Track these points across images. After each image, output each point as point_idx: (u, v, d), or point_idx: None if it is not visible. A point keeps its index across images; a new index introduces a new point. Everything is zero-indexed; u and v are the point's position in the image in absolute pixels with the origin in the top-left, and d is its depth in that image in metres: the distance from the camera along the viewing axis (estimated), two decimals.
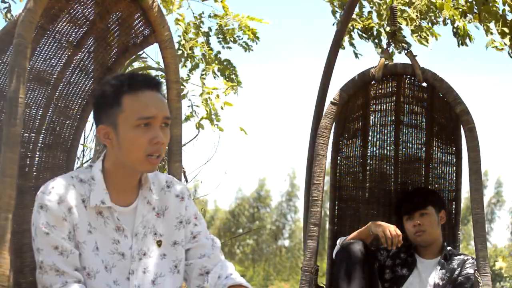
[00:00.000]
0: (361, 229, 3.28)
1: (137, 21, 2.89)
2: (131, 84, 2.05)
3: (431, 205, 3.43)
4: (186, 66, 4.07)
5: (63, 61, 2.85)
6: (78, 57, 2.89)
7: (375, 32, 3.87)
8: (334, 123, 3.50)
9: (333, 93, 3.52)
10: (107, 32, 2.91)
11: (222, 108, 3.96)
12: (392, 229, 3.15)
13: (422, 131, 3.76)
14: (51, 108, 2.88)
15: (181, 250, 2.18)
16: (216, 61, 4.09)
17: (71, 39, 2.83)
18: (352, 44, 3.95)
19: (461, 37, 3.72)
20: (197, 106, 4.01)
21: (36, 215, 2.01)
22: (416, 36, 3.62)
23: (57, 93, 2.88)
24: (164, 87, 2.19)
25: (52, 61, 2.82)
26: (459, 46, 3.76)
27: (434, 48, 3.68)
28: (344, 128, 3.70)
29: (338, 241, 3.36)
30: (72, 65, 2.88)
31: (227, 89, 3.94)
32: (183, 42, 4.01)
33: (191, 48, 4.00)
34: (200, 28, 4.09)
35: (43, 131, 2.86)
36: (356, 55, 3.97)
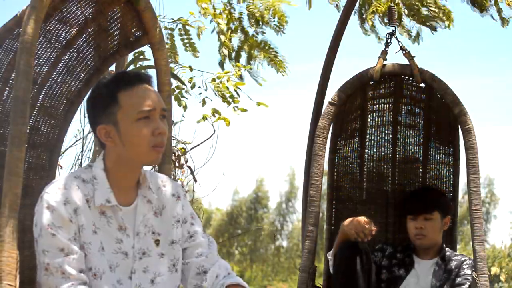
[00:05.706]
0: (338, 235, 3.23)
1: (129, 23, 2.89)
2: (125, 80, 2.09)
3: (437, 210, 3.37)
4: (226, 56, 3.88)
5: (52, 60, 2.86)
6: (66, 56, 2.89)
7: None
8: (332, 123, 3.50)
9: (331, 93, 3.52)
10: (98, 33, 2.91)
11: (235, 89, 3.82)
12: (360, 222, 3.07)
13: (420, 132, 3.76)
14: (36, 108, 2.88)
15: (178, 249, 2.18)
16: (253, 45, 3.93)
17: (61, 38, 2.83)
18: (373, 29, 3.86)
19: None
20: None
21: (41, 216, 1.99)
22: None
23: (43, 93, 2.88)
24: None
25: (41, 60, 2.82)
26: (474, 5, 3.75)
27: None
28: (342, 129, 3.70)
29: (328, 256, 3.32)
30: (60, 64, 2.88)
31: (238, 71, 3.83)
32: (222, 37, 3.84)
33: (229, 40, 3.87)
34: (233, 14, 3.98)
35: (28, 131, 2.84)
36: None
